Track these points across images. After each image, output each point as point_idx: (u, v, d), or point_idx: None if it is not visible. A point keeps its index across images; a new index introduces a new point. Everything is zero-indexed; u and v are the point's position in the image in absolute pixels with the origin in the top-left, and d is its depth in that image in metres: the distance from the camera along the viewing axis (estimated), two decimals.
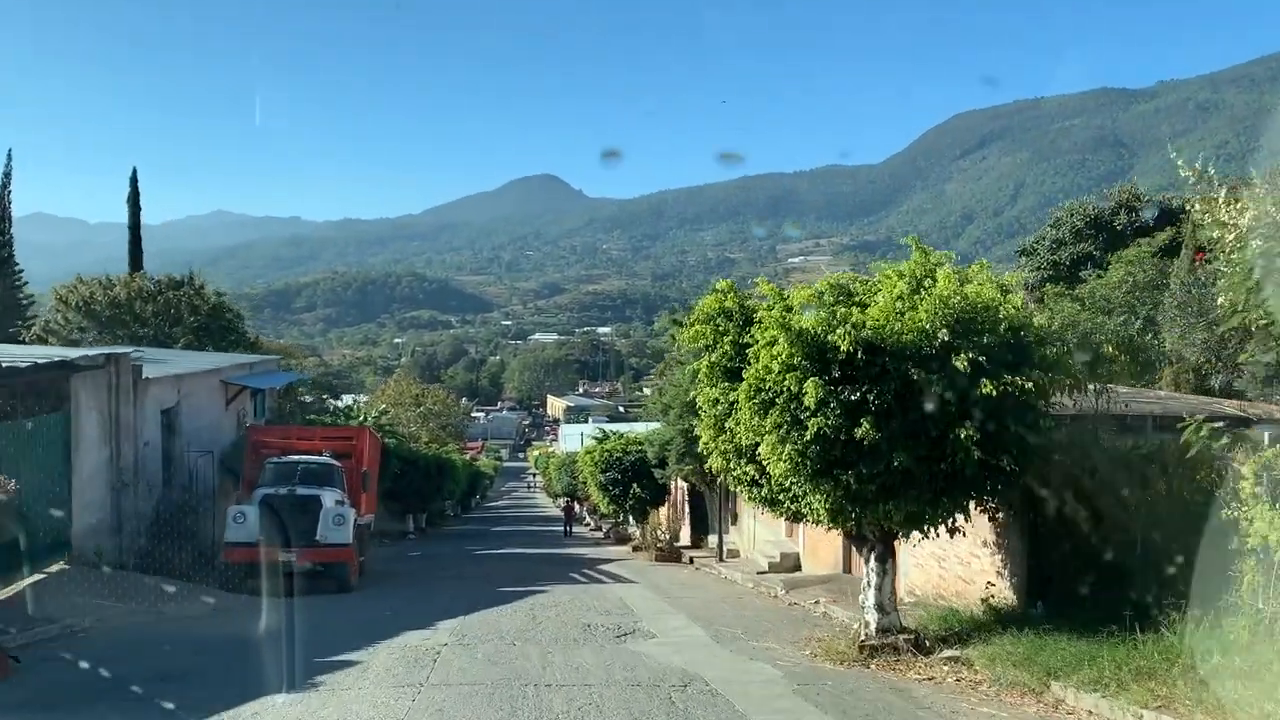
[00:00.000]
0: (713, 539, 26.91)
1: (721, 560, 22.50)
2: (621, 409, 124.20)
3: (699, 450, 11.82)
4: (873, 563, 9.78)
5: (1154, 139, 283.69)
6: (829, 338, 8.60)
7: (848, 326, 8.50)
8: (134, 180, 41.73)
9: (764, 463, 9.18)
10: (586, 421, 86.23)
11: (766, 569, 19.27)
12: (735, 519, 24.49)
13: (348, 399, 57.44)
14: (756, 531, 22.40)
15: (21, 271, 36.61)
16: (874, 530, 9.59)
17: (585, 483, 39.54)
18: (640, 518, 29.74)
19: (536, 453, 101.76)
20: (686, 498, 30.59)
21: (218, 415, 22.67)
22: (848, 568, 16.59)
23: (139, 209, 41.88)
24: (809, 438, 8.44)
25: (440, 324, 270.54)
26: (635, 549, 29.07)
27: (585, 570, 21.88)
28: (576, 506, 50.36)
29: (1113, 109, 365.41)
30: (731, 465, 10.02)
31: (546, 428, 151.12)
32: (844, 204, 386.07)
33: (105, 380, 16.98)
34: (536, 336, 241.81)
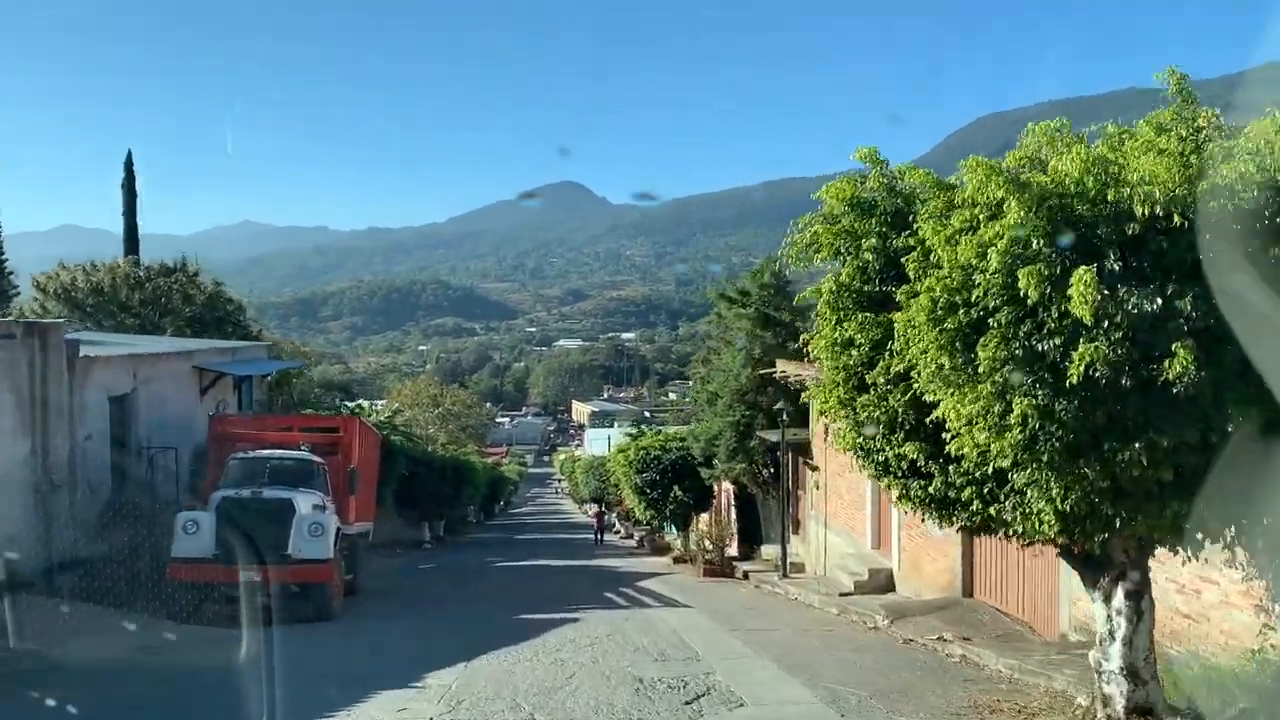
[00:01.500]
0: (768, 550, 23.12)
1: (785, 576, 18.73)
2: (647, 414, 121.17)
3: (822, 416, 7.97)
4: (1119, 600, 6.03)
5: None
6: (1109, 196, 4.88)
7: (1140, 179, 4.78)
8: (129, 164, 39.18)
9: (949, 433, 5.43)
10: (612, 426, 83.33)
11: (851, 589, 15.47)
12: (797, 526, 20.72)
13: (364, 403, 53.98)
14: (829, 541, 18.62)
15: (5, 259, 33.69)
16: (1129, 549, 5.85)
17: (618, 486, 35.83)
18: (682, 525, 26.04)
19: (562, 457, 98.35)
20: (733, 502, 26.81)
21: (190, 406, 19.25)
22: (968, 590, 12.77)
23: (134, 194, 39.22)
24: (1074, 380, 4.74)
25: (465, 331, 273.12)
26: (677, 560, 25.37)
27: (624, 589, 18.22)
28: (606, 514, 46.76)
29: (1140, 109, 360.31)
30: (875, 444, 6.23)
31: (572, 433, 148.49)
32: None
33: (25, 356, 13.56)
34: (561, 343, 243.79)
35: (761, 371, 20.90)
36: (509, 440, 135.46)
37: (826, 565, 18.68)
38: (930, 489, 6.06)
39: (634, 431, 27.44)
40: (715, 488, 26.07)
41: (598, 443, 65.01)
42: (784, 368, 19.04)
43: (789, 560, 19.35)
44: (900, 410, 5.92)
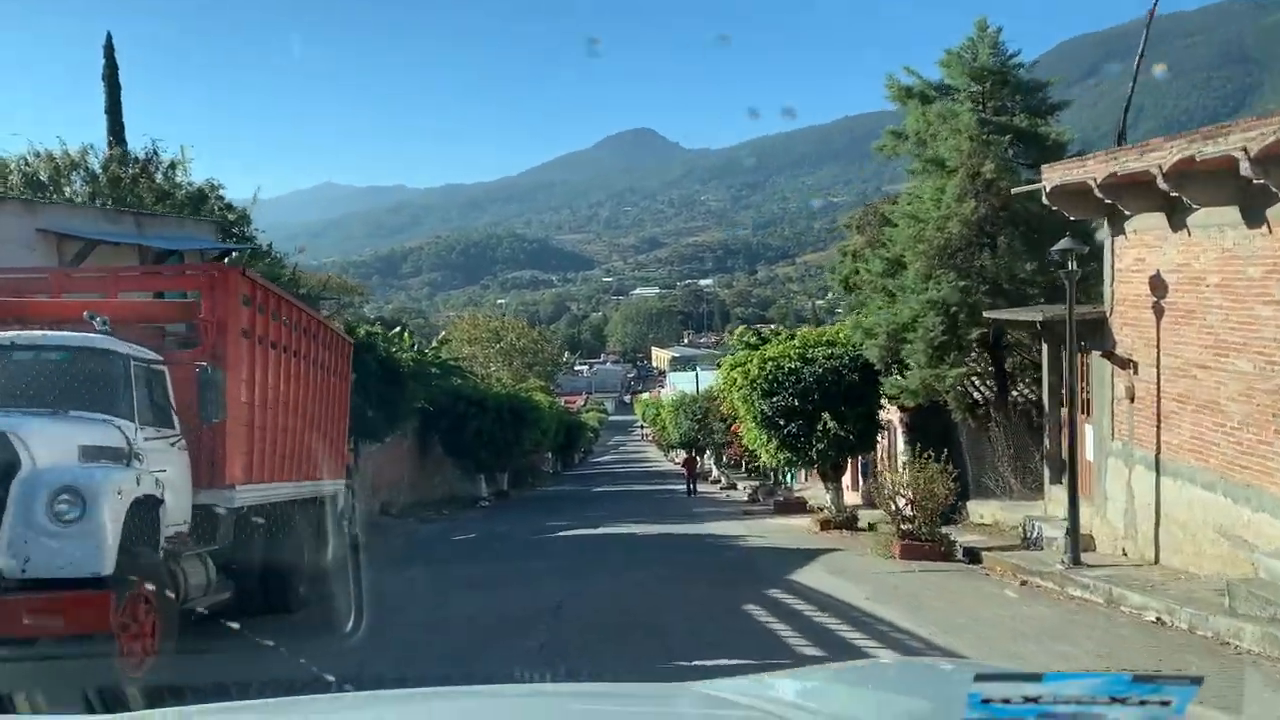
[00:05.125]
0: (985, 510, 14.42)
1: (1075, 564, 10.01)
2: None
3: None
4: None
5: None
6: None
7: None
8: (109, 51, 32.05)
9: None
10: (694, 370, 75.67)
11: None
12: (1060, 469, 11.86)
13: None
14: (1165, 497, 9.81)
15: None
16: None
17: (722, 423, 27.38)
18: (832, 472, 17.44)
19: (646, 397, 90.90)
20: (906, 437, 18.11)
21: None
22: None
23: (118, 86, 32.08)
24: None
25: (542, 283, 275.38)
26: (825, 526, 16.91)
27: (776, 592, 9.89)
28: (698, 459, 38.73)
29: (1240, 21, 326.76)
30: None
31: (653, 379, 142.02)
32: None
33: None
34: (638, 291, 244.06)
35: (1011, 192, 12.04)
36: (588, 388, 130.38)
37: (1158, 541, 9.93)
38: None
39: (752, 339, 18.70)
40: (882, 417, 17.36)
41: (683, 385, 56.83)
42: (1073, 170, 10.13)
43: (1069, 530, 10.55)
44: None
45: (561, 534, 18.58)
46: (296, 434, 9.66)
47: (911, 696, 2.04)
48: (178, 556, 6.77)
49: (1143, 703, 1.17)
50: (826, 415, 15.98)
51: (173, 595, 6.41)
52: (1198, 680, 1.19)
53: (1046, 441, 12.67)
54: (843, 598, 9.51)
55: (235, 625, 8.17)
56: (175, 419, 7.25)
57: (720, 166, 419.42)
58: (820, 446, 16.30)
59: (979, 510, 14.90)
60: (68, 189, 23.79)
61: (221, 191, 27.81)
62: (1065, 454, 11.82)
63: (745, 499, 28.52)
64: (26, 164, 23.74)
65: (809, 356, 16.47)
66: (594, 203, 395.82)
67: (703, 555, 13.99)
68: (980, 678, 1.22)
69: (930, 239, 13.13)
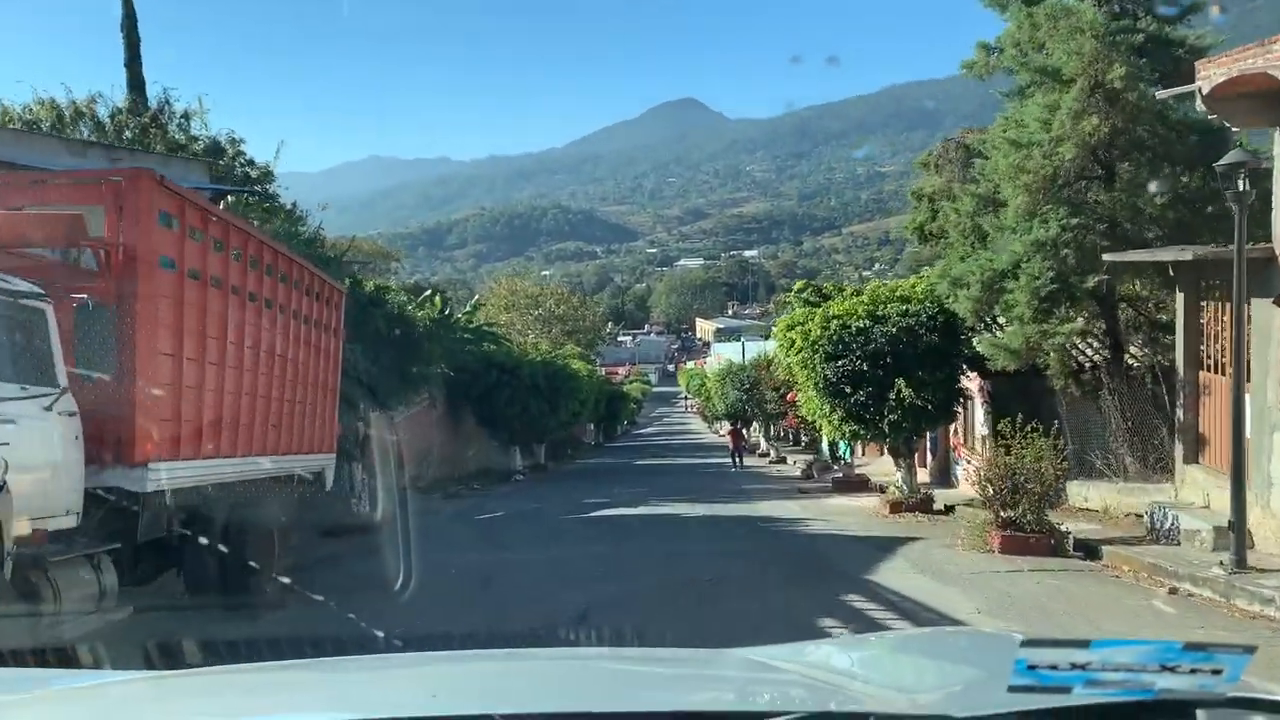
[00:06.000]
0: (1089, 492, 12.15)
1: (1241, 568, 7.80)
2: (774, 328, 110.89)
3: None
4: None
5: None
6: None
7: None
8: (128, 6, 30.39)
9: None
10: (739, 341, 73.69)
11: None
12: (1199, 447, 9.58)
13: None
14: None
15: None
16: None
17: (780, 388, 25.10)
18: (906, 449, 15.22)
19: (690, 366, 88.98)
20: (987, 408, 15.84)
21: None
22: None
23: (134, 18, 30.45)
24: None
25: (586, 255, 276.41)
26: (894, 508, 14.77)
27: (858, 600, 7.87)
28: (744, 430, 36.70)
29: None
30: None
31: (696, 350, 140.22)
32: (999, 106, 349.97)
33: None
34: (682, 262, 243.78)
35: (1149, 98, 9.64)
36: (632, 359, 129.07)
37: None
38: None
39: (811, 293, 16.42)
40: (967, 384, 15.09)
41: (729, 355, 54.57)
42: (1252, 57, 7.77)
43: (1195, 522, 8.31)
44: None
45: (598, 514, 16.71)
46: (258, 398, 7.80)
47: (957, 664, 2.03)
48: (41, 562, 4.92)
49: (1194, 671, 1.15)
50: (901, 382, 13.73)
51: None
52: (1250, 649, 1.16)
53: (1179, 412, 10.35)
54: (945, 610, 7.44)
55: None
56: (60, 374, 5.39)
57: (765, 137, 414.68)
58: (893, 418, 14.06)
59: (1082, 493, 12.63)
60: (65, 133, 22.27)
61: (242, 147, 26.15)
62: (1204, 427, 9.54)
63: (798, 475, 26.37)
64: (30, 112, 22.32)
65: (880, 314, 14.19)
66: (638, 174, 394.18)
67: (760, 544, 11.95)
68: (1027, 643, 1.20)
69: (1036, 168, 10.80)
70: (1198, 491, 9.84)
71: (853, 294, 15.99)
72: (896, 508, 14.96)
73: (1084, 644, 1.16)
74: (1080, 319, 11.13)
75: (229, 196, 15.99)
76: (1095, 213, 10.95)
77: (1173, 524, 9.61)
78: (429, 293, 32.58)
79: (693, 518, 15.60)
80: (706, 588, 8.62)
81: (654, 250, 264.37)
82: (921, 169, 17.86)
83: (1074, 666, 1.15)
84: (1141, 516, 10.73)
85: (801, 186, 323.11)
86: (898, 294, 14.56)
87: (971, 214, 12.20)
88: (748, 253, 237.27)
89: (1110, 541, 10.01)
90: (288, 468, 9.19)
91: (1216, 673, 1.14)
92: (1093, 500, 12.16)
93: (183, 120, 24.57)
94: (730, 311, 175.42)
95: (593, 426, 52.71)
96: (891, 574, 9.18)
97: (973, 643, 2.58)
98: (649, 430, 72.22)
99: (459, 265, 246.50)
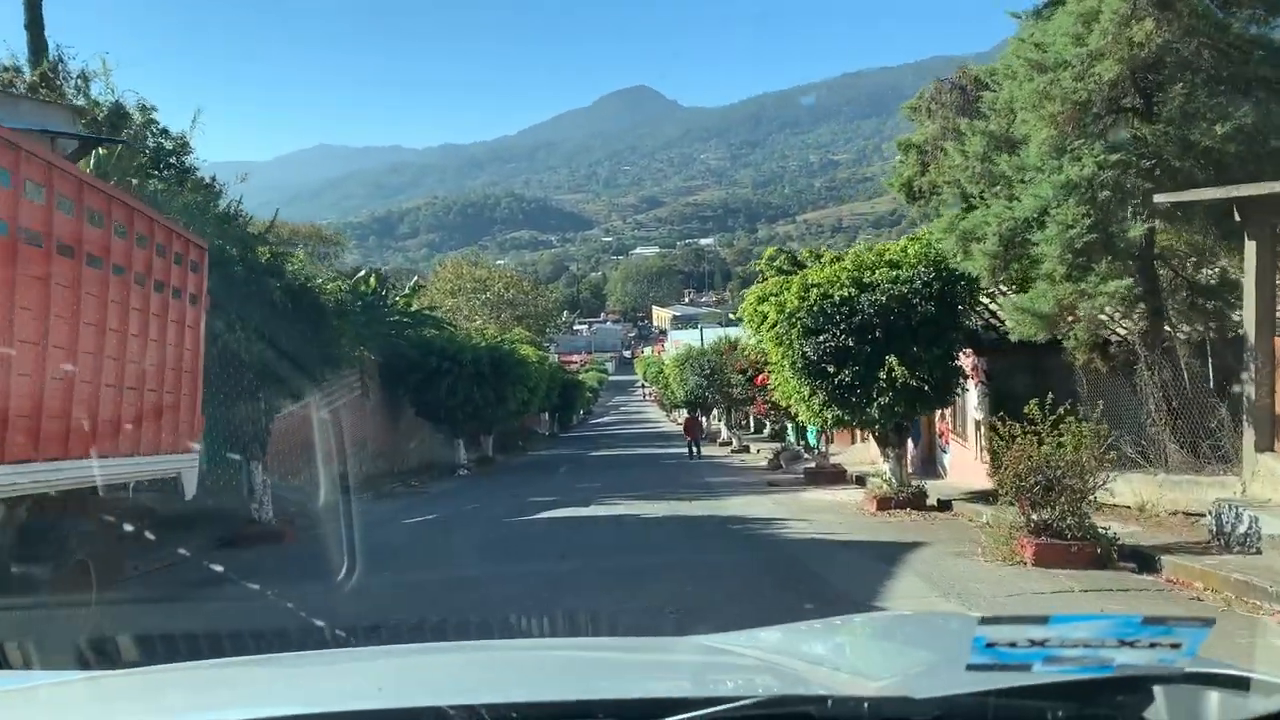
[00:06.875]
0: (1125, 487, 10.28)
1: None
2: (731, 315, 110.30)
3: None
4: None
5: None
6: None
7: None
8: None
9: None
10: (696, 329, 72.48)
11: None
12: (1276, 430, 7.76)
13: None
14: None
15: None
16: None
17: (748, 372, 22.87)
18: (895, 436, 13.27)
19: (648, 353, 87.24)
20: (982, 390, 13.97)
21: None
22: None
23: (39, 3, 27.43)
24: None
25: (541, 244, 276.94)
26: (882, 504, 12.85)
27: None
28: (701, 418, 34.76)
29: None
30: None
31: (653, 338, 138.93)
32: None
33: None
34: (638, 251, 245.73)
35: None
36: (588, 347, 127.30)
37: None
38: None
39: (784, 261, 14.33)
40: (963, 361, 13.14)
41: (688, 342, 52.76)
42: None
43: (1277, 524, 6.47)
44: None
45: (543, 515, 14.53)
46: (78, 383, 5.52)
47: (918, 646, 2.05)
48: None
49: (1153, 645, 1.16)
50: (893, 359, 11.77)
51: None
52: (1209, 622, 1.16)
53: (1250, 390, 8.49)
54: None
55: None
56: None
57: (718, 125, 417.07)
58: (883, 400, 12.09)
59: (1109, 486, 10.79)
60: None
61: (154, 115, 23.34)
62: (1265, 409, 7.69)
63: (764, 465, 24.46)
64: None
65: (867, 282, 12.20)
66: (593, 162, 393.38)
67: (734, 555, 9.86)
68: (984, 621, 1.21)
69: (1065, 94, 8.86)
70: (1274, 486, 8.01)
71: (833, 260, 13.99)
72: (884, 504, 13.02)
73: (1043, 620, 1.17)
74: (1130, 278, 9.18)
75: (99, 149, 13.53)
76: (1136, 149, 9.07)
77: (1249, 527, 7.76)
78: (363, 273, 30.03)
79: (652, 519, 13.50)
80: (671, 623, 6.49)
81: (609, 239, 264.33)
82: (910, 115, 15.90)
83: (1033, 644, 1.16)
84: (1192, 516, 8.91)
85: (755, 174, 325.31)
86: (886, 258, 12.55)
87: (982, 155, 10.23)
88: (703, 240, 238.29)
89: (1168, 549, 8.14)
90: (120, 474, 6.93)
91: (1175, 647, 1.14)
92: (1123, 495, 10.29)
93: (79, 81, 21.70)
94: (687, 299, 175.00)
95: (547, 416, 50.54)
96: (906, 599, 7.17)
97: (933, 624, 2.66)
98: (606, 419, 70.29)
99: (411, 255, 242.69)
